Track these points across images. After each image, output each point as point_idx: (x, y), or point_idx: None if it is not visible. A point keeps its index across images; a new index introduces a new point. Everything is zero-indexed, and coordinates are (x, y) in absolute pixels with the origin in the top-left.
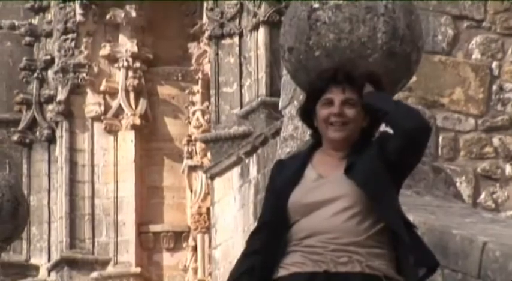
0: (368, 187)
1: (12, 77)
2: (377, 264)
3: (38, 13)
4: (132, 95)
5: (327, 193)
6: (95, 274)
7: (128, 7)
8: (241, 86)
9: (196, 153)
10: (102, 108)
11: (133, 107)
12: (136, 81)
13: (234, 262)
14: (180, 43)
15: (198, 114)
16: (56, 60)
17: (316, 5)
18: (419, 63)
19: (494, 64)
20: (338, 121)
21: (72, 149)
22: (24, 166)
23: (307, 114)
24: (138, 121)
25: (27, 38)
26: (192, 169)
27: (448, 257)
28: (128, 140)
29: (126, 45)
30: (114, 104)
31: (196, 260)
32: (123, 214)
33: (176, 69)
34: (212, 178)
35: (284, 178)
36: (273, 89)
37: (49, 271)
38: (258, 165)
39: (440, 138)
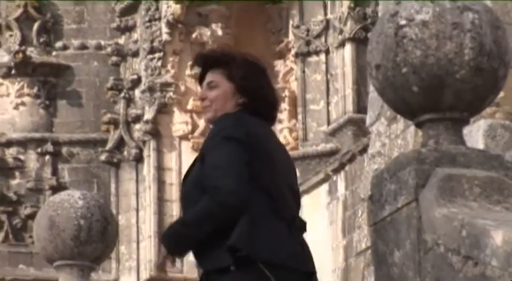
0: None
1: (99, 96)
2: None
3: (124, 33)
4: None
5: None
6: None
7: (214, 25)
8: (328, 103)
9: None
10: (190, 127)
11: None
12: None
13: (323, 279)
14: (266, 61)
15: (286, 132)
16: (143, 79)
17: (403, 22)
18: (507, 78)
19: None
20: (203, 105)
21: (160, 168)
22: (113, 186)
23: None
24: None
25: (114, 58)
26: None
27: None
28: None
29: None
30: (201, 122)
31: None
32: None
33: None
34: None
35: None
36: (360, 105)
37: None
38: (346, 182)
39: None
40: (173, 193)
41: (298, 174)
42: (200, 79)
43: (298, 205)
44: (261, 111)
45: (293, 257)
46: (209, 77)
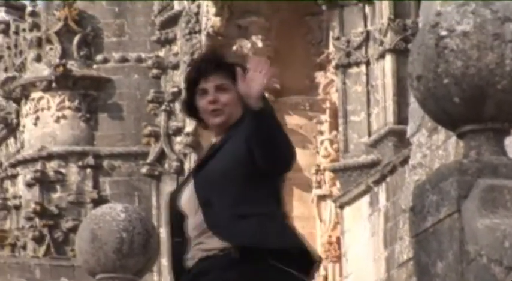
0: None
1: (140, 109)
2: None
3: (164, 45)
4: None
5: None
6: None
7: (254, 38)
8: (368, 115)
9: (325, 182)
10: None
11: None
12: None
13: None
14: (307, 73)
15: (326, 143)
16: (184, 92)
17: (444, 33)
18: None
19: None
20: (215, 107)
21: None
22: (154, 198)
23: (190, 108)
24: None
25: (155, 71)
26: (321, 198)
27: None
28: None
29: None
30: None
31: None
32: None
33: (303, 99)
34: (341, 207)
35: None
36: (401, 116)
37: None
38: (387, 193)
39: None
40: None
41: (339, 185)
42: (195, 81)
43: None
44: None
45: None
46: (217, 79)
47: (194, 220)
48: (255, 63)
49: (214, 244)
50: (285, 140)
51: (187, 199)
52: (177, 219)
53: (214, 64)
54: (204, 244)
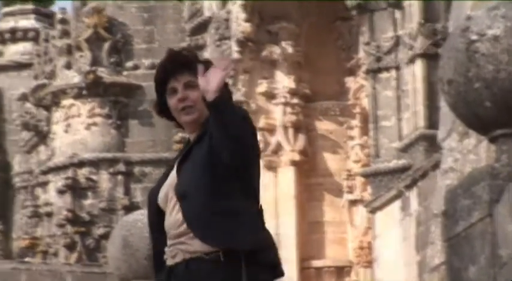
0: None
1: None
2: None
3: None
4: (290, 131)
5: None
6: None
7: (284, 43)
8: (399, 120)
9: (356, 187)
10: (262, 145)
11: (292, 143)
12: (294, 117)
13: None
14: (337, 78)
15: (357, 148)
16: None
17: (474, 37)
18: None
19: None
20: (185, 105)
21: None
22: None
23: (163, 109)
24: (297, 157)
25: None
26: (353, 203)
27: None
28: (287, 176)
29: (283, 81)
30: (273, 140)
31: None
32: (284, 250)
33: (334, 104)
34: (373, 212)
35: None
36: (432, 121)
37: None
38: (419, 198)
39: None
40: None
41: (370, 190)
42: (164, 81)
43: None
44: None
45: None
46: (185, 77)
47: (172, 217)
48: (218, 61)
49: (197, 246)
50: (239, 130)
51: (164, 194)
52: (156, 215)
53: (181, 63)
54: (187, 245)
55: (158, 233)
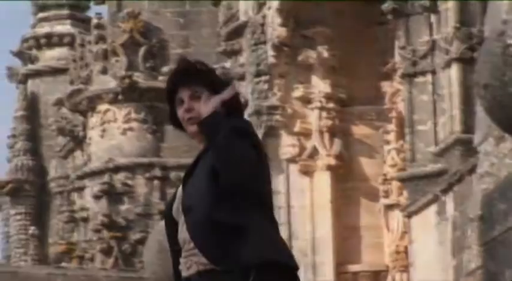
0: None
1: None
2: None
3: (230, 56)
4: (326, 136)
5: None
6: None
7: (319, 48)
8: (435, 124)
9: (392, 192)
10: (297, 149)
11: (328, 147)
12: (330, 122)
13: None
14: (373, 82)
15: (393, 153)
16: (250, 102)
17: (510, 41)
18: None
19: None
20: (190, 116)
21: None
22: None
23: (175, 119)
24: (333, 161)
25: None
26: (389, 207)
27: None
28: (323, 180)
29: (319, 86)
30: (308, 145)
31: None
32: (320, 254)
33: (370, 108)
34: (409, 216)
35: None
36: (468, 125)
37: None
38: (455, 202)
39: None
40: (282, 215)
41: (406, 195)
42: (173, 92)
43: None
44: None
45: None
46: (191, 88)
47: (184, 230)
48: (226, 91)
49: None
50: (228, 153)
51: (176, 207)
52: (172, 227)
53: (187, 73)
54: (199, 257)
55: (176, 245)
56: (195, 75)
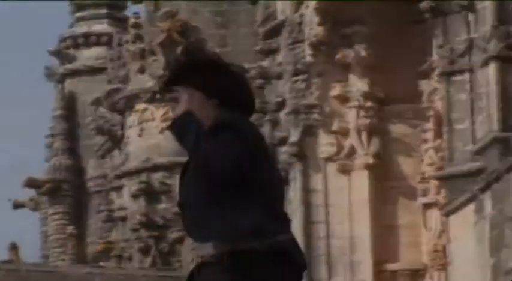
0: None
1: None
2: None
3: (267, 55)
4: (364, 135)
5: None
6: None
7: (357, 46)
8: (473, 123)
9: (430, 190)
10: (335, 148)
11: (366, 146)
12: (368, 121)
13: None
14: (411, 81)
15: (431, 151)
16: (287, 101)
17: None
18: None
19: None
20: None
21: (307, 190)
22: None
23: None
24: (371, 160)
25: (258, 81)
26: (427, 206)
27: None
28: (361, 179)
29: (357, 84)
30: (346, 144)
31: None
32: (358, 253)
33: (408, 107)
34: (447, 215)
35: None
36: (506, 124)
37: None
38: (494, 201)
39: None
40: (320, 214)
41: (444, 193)
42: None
43: None
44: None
45: None
46: (180, 88)
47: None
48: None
49: (203, 250)
50: (193, 156)
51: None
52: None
53: (179, 74)
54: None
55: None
56: (184, 76)
